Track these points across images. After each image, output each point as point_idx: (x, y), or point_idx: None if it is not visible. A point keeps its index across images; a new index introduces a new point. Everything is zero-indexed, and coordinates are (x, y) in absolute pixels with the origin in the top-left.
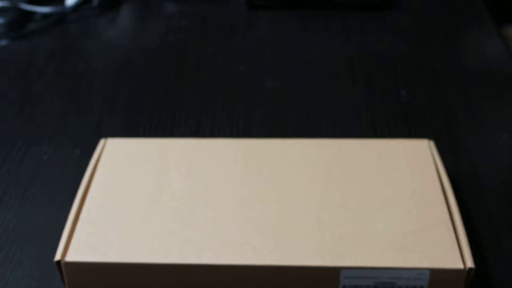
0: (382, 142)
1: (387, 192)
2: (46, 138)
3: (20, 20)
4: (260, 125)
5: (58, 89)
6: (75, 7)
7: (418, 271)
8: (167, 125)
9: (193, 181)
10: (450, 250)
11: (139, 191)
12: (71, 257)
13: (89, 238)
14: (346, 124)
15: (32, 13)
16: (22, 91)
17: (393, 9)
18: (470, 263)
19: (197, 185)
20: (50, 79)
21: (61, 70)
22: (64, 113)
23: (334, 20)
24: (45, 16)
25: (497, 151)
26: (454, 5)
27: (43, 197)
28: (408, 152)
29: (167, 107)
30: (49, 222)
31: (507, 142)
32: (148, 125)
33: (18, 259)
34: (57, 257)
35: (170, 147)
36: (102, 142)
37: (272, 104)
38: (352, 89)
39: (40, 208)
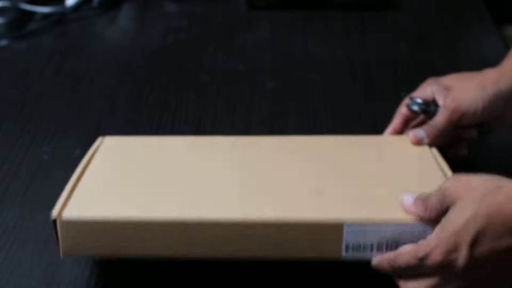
0: (382, 138)
1: (387, 180)
2: (46, 138)
3: (20, 20)
4: (260, 125)
5: (58, 89)
6: (75, 7)
7: (422, 224)
8: (167, 125)
9: (191, 158)
10: None
11: (138, 162)
12: (68, 214)
13: (88, 197)
14: (346, 124)
15: (32, 13)
16: (22, 91)
17: (393, 9)
18: None
19: (196, 160)
20: (50, 79)
21: (61, 70)
22: (64, 113)
23: (334, 20)
24: (45, 16)
25: (497, 150)
26: (454, 5)
27: (43, 197)
28: (408, 149)
29: (167, 107)
30: (49, 222)
31: (506, 141)
32: (148, 125)
33: (18, 259)
34: (54, 215)
35: (167, 139)
36: (99, 139)
37: (272, 104)
38: (352, 89)
39: (40, 208)
